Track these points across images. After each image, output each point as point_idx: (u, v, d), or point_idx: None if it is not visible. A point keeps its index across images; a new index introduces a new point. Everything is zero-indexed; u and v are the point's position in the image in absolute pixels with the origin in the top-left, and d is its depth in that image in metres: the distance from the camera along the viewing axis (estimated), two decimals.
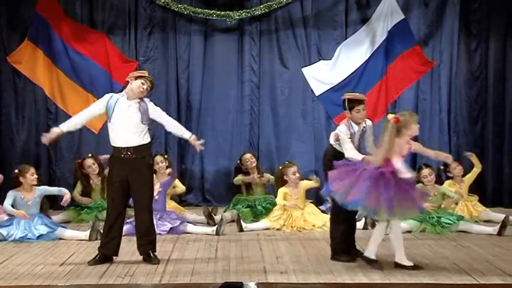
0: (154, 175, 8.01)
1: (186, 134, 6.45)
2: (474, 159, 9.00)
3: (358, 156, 6.19)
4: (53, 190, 7.97)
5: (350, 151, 6.27)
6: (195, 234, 7.80)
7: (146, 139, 6.29)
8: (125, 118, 6.20)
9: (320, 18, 10.43)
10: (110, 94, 6.41)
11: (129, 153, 6.20)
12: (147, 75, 6.40)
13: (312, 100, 10.35)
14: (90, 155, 9.12)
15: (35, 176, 7.73)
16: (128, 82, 6.34)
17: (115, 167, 6.30)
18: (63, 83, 9.88)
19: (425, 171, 8.24)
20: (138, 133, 6.22)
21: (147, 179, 6.35)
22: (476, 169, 8.98)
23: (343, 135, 6.35)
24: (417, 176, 8.23)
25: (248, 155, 9.23)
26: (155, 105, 6.43)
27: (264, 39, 10.51)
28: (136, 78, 6.30)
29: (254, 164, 9.18)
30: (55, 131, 6.31)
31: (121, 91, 6.55)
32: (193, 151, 10.40)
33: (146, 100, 6.36)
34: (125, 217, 6.52)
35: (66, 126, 6.35)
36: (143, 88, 6.27)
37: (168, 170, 8.55)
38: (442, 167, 8.93)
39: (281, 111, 10.52)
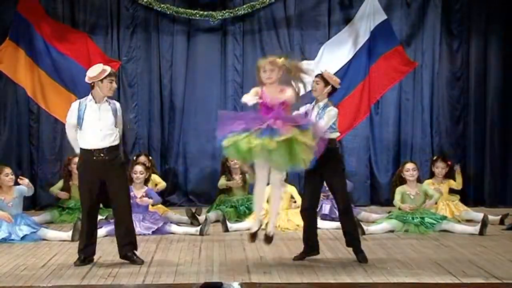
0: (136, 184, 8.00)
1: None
2: (458, 176, 9.01)
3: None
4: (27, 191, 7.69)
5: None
6: (178, 234, 7.79)
7: (117, 140, 6.24)
8: (98, 121, 6.15)
9: (303, 19, 10.44)
10: (77, 101, 6.30)
11: (101, 154, 6.14)
12: (109, 71, 6.20)
13: None
14: None
15: (11, 176, 7.62)
16: (93, 84, 6.19)
17: (87, 171, 6.21)
18: (45, 83, 9.77)
19: (409, 165, 8.21)
20: (110, 135, 6.18)
21: (122, 177, 6.35)
22: (457, 186, 8.98)
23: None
24: (399, 170, 8.30)
25: None
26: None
27: (247, 39, 10.50)
28: (103, 79, 6.14)
29: (238, 166, 9.14)
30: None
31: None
32: (176, 151, 10.43)
33: (116, 103, 6.35)
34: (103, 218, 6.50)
35: (77, 149, 6.31)
36: (112, 86, 6.19)
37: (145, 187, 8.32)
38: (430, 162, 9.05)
39: None
